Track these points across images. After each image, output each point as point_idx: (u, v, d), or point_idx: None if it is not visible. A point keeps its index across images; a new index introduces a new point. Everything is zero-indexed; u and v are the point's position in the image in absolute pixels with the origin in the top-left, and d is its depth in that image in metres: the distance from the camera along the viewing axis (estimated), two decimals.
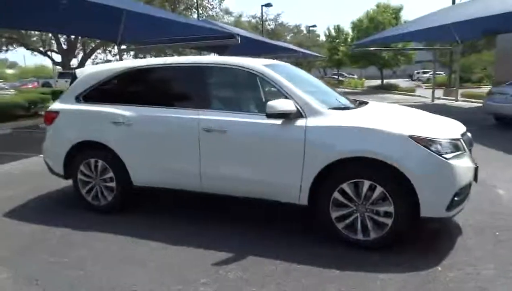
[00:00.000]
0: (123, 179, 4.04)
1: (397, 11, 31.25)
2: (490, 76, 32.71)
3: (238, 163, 3.56)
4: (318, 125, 3.27)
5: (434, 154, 3.01)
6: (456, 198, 3.06)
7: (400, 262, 2.99)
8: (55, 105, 4.44)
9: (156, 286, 2.76)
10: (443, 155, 3.03)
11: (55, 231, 3.75)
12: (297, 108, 3.33)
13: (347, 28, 37.71)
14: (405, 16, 34.38)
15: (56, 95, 11.59)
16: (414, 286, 2.70)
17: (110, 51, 23.64)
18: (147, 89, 4.11)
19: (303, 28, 54.64)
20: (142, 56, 22.85)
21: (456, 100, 17.51)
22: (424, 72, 43.20)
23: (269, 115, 3.30)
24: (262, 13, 41.10)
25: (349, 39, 41.18)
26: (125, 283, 2.81)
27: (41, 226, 3.88)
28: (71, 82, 4.46)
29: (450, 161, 3.03)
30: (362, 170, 3.16)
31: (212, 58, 3.98)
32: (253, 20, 42.23)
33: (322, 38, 54.79)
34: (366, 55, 29.16)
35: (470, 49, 20.21)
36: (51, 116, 4.37)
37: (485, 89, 21.76)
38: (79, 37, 23.03)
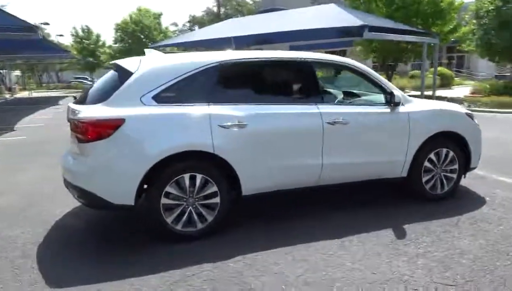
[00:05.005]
0: (231, 191, 3.46)
1: (158, 16, 32.57)
2: None
3: (359, 150, 3.88)
4: (414, 110, 4.10)
5: (475, 123, 4.47)
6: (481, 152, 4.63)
7: (469, 204, 4.22)
8: (109, 112, 3.09)
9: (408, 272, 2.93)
10: (477, 124, 4.52)
11: (197, 274, 2.87)
12: None
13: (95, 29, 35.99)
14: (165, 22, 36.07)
15: None
16: (499, 205, 4.09)
17: None
18: (257, 85, 3.61)
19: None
20: None
21: None
22: None
23: (395, 104, 3.87)
24: None
25: (101, 41, 39.44)
26: (386, 273, 2.82)
27: (156, 275, 2.85)
28: (121, 79, 3.25)
29: (479, 127, 4.57)
30: (442, 141, 4.24)
31: (321, 55, 3.96)
32: None
33: (53, 38, 49.39)
34: None
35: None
36: (107, 128, 3.07)
37: None
38: None
